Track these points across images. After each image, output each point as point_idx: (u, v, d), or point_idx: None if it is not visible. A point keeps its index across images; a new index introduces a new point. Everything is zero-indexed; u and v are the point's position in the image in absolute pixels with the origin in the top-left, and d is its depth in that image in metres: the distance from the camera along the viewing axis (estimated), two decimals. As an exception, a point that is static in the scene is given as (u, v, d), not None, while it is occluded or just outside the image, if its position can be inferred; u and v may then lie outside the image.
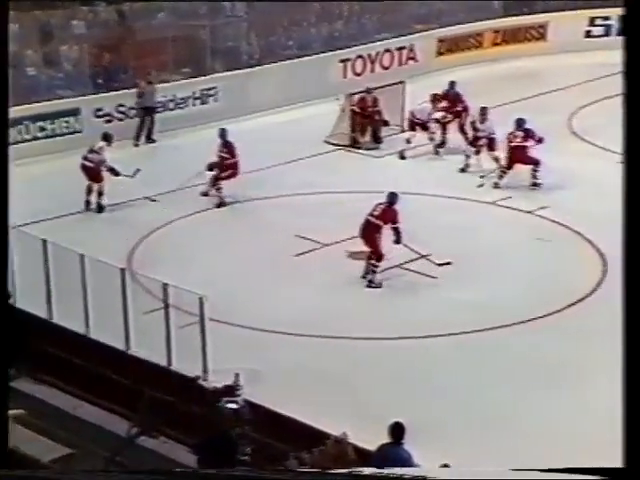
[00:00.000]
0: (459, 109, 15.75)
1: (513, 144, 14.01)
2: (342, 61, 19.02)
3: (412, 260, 11.91)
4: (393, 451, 7.09)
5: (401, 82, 16.81)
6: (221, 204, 13.97)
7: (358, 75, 19.00)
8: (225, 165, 13.97)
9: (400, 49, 19.52)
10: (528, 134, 13.93)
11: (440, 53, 19.82)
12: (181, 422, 8.43)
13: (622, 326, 4.94)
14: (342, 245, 12.43)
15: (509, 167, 14.15)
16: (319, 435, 7.57)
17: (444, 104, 15.73)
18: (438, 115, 15.63)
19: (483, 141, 14.53)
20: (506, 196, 13.88)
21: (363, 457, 7.18)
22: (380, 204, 11.59)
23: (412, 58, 19.60)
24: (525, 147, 13.99)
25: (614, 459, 7.86)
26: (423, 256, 11.87)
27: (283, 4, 18.67)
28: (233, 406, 8.15)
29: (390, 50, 19.45)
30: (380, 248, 11.48)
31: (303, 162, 15.58)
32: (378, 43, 19.35)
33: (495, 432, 8.57)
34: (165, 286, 9.12)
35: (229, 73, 17.76)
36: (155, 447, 8.40)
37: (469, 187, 14.26)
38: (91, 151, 13.91)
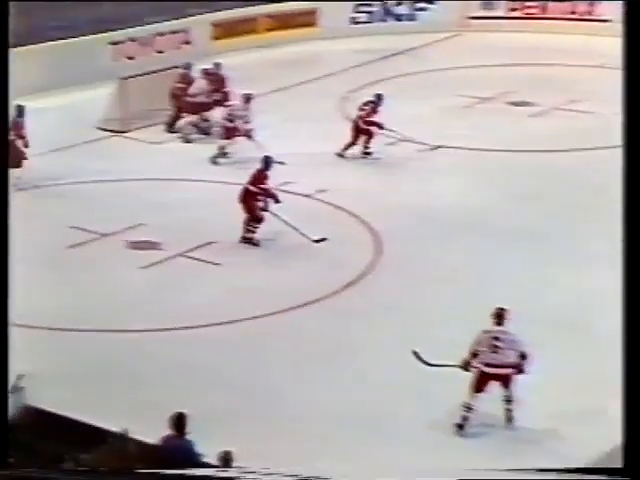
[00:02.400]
0: (224, 91, 15.34)
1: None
2: (113, 44, 17.96)
3: (205, 244, 11.60)
4: (175, 442, 6.96)
5: (175, 67, 16.07)
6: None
7: (131, 59, 18.02)
8: None
9: (174, 33, 18.79)
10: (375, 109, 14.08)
11: (215, 37, 19.27)
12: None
13: (622, 327, 4.90)
14: (121, 235, 11.92)
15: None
16: (99, 433, 7.22)
17: (211, 86, 15.37)
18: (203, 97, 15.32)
19: (241, 129, 14.08)
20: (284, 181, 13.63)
21: (146, 451, 6.93)
22: (256, 171, 11.84)
23: (187, 42, 18.90)
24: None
25: (393, 430, 7.85)
26: (297, 230, 11.65)
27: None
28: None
29: (164, 34, 18.66)
30: (255, 211, 11.67)
31: (74, 149, 14.73)
32: (150, 26, 18.46)
33: (280, 415, 8.50)
34: None
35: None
36: None
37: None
38: None
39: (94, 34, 17.71)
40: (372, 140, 14.16)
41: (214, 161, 14.26)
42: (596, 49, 18.64)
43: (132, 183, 13.70)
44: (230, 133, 14.26)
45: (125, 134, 15.48)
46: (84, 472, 6.12)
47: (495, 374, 8.21)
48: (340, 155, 14.23)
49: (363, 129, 14.10)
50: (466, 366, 8.25)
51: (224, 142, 14.31)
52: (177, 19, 18.96)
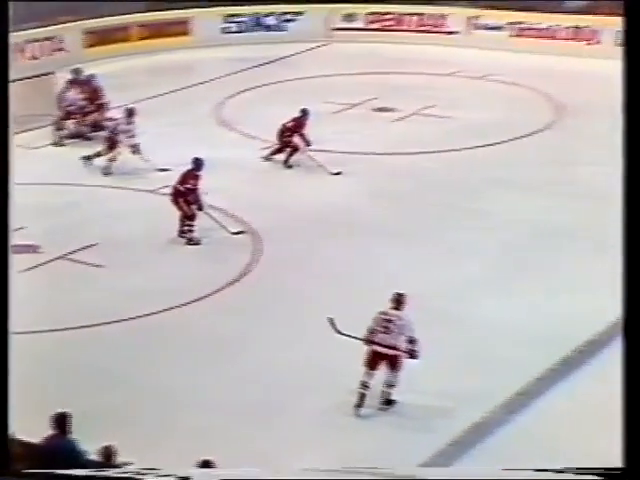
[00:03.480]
0: (100, 102, 15.31)
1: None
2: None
3: (85, 247, 11.56)
4: (57, 442, 6.86)
5: (51, 73, 15.87)
6: None
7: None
8: None
9: (48, 39, 18.50)
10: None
11: (89, 45, 19.08)
12: None
13: (622, 328, 4.85)
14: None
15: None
16: None
17: (85, 95, 15.33)
18: (80, 104, 15.27)
19: (125, 142, 14.04)
20: (163, 185, 13.70)
21: (30, 451, 6.75)
22: (184, 172, 12.05)
23: (60, 49, 18.64)
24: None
25: (283, 420, 8.05)
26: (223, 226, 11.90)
27: None
28: None
29: (38, 40, 18.36)
30: (187, 210, 11.88)
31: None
32: (23, 32, 18.11)
33: (170, 411, 8.51)
34: None
35: None
36: None
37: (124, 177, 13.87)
38: None
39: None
40: (296, 153, 14.18)
41: (106, 173, 14.04)
42: (447, 58, 19.58)
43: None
44: (113, 147, 14.10)
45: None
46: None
47: (383, 354, 8.37)
48: (267, 159, 14.39)
49: (286, 141, 14.18)
50: (366, 342, 8.39)
51: (109, 155, 14.11)
52: (49, 26, 18.74)
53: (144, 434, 7.97)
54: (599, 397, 8.14)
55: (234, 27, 21.11)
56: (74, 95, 15.42)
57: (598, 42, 19.48)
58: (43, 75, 15.80)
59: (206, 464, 6.36)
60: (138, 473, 5.69)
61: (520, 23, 20.30)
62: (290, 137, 14.16)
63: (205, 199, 12.08)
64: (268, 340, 9.68)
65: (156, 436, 8.03)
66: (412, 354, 8.40)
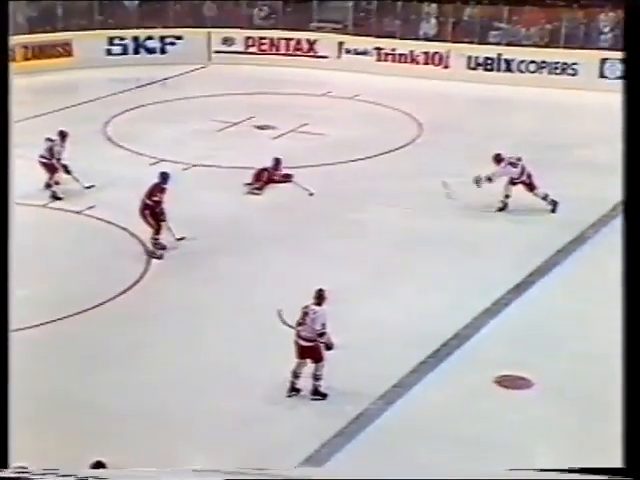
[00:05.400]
0: None
1: None
2: None
3: None
4: None
5: None
6: None
7: None
8: None
9: None
10: None
11: (-28, 65, 18.68)
12: None
13: (622, 329, 4.74)
14: None
15: None
16: None
17: None
18: None
19: (59, 165, 13.85)
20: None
21: None
22: (152, 186, 12.01)
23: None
24: None
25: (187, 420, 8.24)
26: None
27: None
28: None
29: None
30: (153, 223, 11.90)
31: None
32: None
33: (66, 415, 8.58)
34: None
35: None
36: None
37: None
38: None
39: None
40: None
41: (55, 196, 13.73)
42: (319, 80, 20.28)
43: None
44: (50, 169, 13.81)
45: None
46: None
47: (301, 345, 8.70)
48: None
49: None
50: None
51: (48, 177, 13.81)
52: None
53: (39, 438, 7.88)
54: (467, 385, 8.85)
55: (117, 49, 21.19)
56: None
57: (446, 66, 20.66)
58: None
59: (99, 465, 6.42)
60: (38, 474, 5.67)
61: (382, 49, 21.25)
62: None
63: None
64: (168, 344, 9.82)
65: (51, 439, 8.02)
66: (326, 345, 8.68)
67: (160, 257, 11.87)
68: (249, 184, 14.17)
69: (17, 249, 12.36)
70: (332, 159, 15.47)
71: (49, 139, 13.93)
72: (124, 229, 12.66)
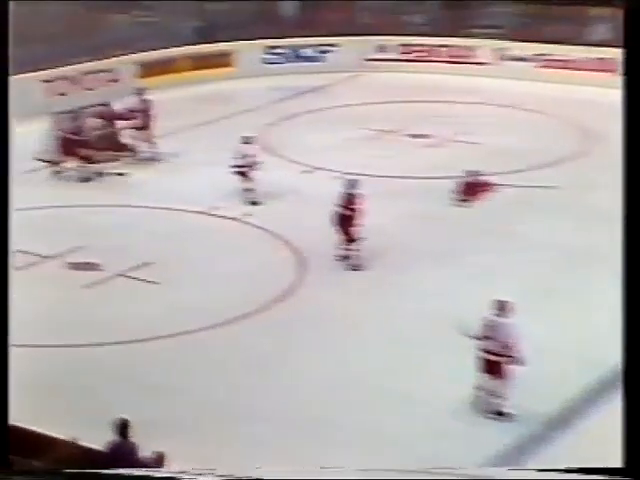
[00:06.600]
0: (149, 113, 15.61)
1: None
2: (45, 82, 18.01)
3: (141, 265, 11.73)
4: (119, 445, 6.98)
5: (105, 103, 16.21)
6: None
7: (63, 95, 18.11)
8: None
9: (103, 72, 18.98)
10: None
11: (140, 76, 19.49)
12: None
13: (621, 331, 4.83)
14: (62, 257, 11.96)
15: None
16: (49, 441, 7.13)
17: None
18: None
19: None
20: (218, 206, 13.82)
21: (93, 456, 6.95)
22: (342, 195, 11.49)
23: (114, 80, 19.07)
24: None
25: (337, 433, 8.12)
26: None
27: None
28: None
29: (93, 72, 18.85)
30: (352, 233, 11.46)
31: (14, 179, 14.53)
32: (81, 65, 18.60)
33: (221, 421, 8.61)
34: None
35: None
36: None
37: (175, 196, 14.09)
38: None
39: (25, 72, 17.68)
40: None
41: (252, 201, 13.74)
42: (477, 87, 19.69)
43: (69, 209, 13.73)
44: (243, 175, 13.92)
45: (60, 164, 15.49)
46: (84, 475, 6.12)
47: (489, 360, 8.19)
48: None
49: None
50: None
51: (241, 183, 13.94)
52: (105, 59, 19.18)
53: (195, 443, 8.01)
54: None
55: (274, 58, 21.47)
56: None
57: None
58: (100, 105, 16.10)
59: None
60: (194, 474, 5.78)
61: (545, 55, 20.39)
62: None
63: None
64: (319, 354, 9.69)
65: (207, 445, 8.07)
66: (516, 361, 8.15)
67: (360, 267, 11.50)
68: (456, 194, 13.79)
69: (176, 253, 12.83)
70: (489, 169, 14.94)
71: (246, 141, 13.96)
72: (279, 236, 12.67)
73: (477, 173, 13.99)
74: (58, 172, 15.28)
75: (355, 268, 11.62)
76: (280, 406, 8.82)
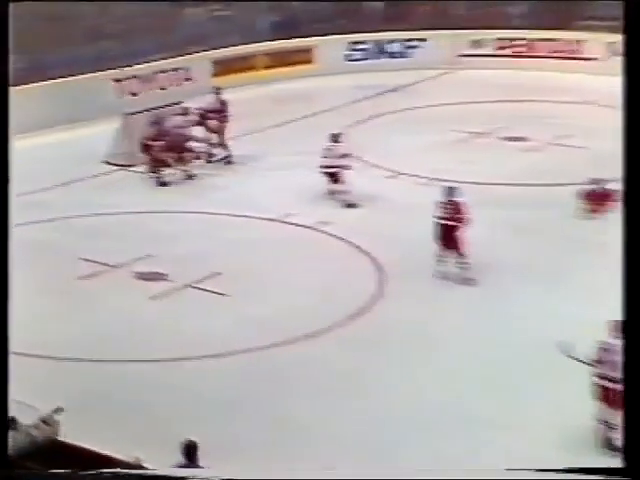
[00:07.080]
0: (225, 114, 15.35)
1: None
2: (116, 81, 17.98)
3: (211, 275, 11.47)
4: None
5: (178, 103, 16.05)
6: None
7: (134, 95, 18.03)
8: None
9: (176, 70, 18.77)
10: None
11: (215, 74, 19.28)
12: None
13: (622, 333, 4.99)
14: (129, 266, 11.78)
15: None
16: (110, 461, 6.81)
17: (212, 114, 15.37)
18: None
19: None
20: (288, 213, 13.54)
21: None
22: (443, 204, 10.93)
23: (188, 79, 18.93)
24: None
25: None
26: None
27: (47, 20, 17.34)
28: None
29: (166, 71, 18.67)
30: (459, 246, 10.93)
31: (81, 183, 14.68)
32: (154, 64, 18.52)
33: (293, 441, 8.28)
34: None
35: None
36: None
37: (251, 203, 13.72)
38: None
39: (96, 71, 17.71)
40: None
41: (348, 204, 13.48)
42: (584, 86, 18.80)
43: (138, 215, 13.61)
44: (332, 175, 13.67)
45: (130, 167, 15.39)
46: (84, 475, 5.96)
47: (608, 388, 7.64)
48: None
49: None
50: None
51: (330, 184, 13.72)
52: (178, 56, 19.07)
53: (268, 464, 7.74)
54: None
55: (358, 54, 20.98)
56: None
57: None
58: (174, 104, 15.93)
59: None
60: None
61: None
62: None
63: None
64: (382, 377, 9.30)
65: (280, 466, 7.70)
66: None
67: (472, 281, 10.90)
68: (582, 205, 12.99)
69: (247, 263, 12.58)
70: (594, 176, 14.12)
71: (334, 139, 13.62)
72: (357, 247, 12.18)
73: (603, 181, 13.12)
74: (133, 175, 15.18)
75: (465, 283, 10.95)
76: (356, 427, 8.45)
